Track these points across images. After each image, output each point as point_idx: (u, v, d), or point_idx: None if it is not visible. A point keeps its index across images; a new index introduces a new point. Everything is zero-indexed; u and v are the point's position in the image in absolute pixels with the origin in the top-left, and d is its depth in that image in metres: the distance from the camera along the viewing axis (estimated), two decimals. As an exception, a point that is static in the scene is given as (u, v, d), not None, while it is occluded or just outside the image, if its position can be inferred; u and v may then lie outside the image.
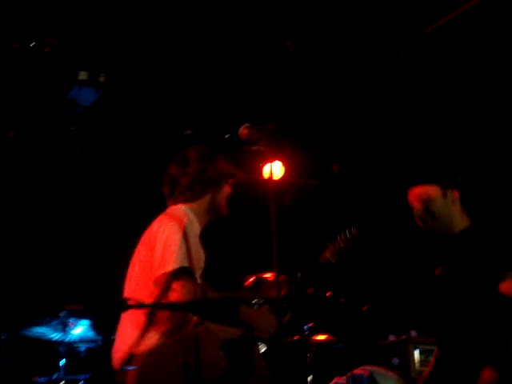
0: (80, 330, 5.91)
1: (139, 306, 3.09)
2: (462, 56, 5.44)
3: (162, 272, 3.37)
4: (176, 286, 3.30)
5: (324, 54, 5.61)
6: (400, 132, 6.17)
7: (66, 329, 5.82)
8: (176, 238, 3.45)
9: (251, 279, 5.00)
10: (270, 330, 3.43)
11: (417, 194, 3.94)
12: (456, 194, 3.93)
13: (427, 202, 3.89)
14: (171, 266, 3.36)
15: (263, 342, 3.52)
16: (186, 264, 3.40)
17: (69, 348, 5.93)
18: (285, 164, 5.90)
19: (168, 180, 3.81)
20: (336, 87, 5.98)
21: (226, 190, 3.83)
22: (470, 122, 5.84)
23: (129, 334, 3.44)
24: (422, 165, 4.19)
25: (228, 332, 3.41)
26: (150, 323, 3.40)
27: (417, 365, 5.36)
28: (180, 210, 3.69)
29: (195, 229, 3.65)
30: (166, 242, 3.44)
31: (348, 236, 4.00)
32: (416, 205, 3.94)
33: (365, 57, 5.64)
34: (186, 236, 3.48)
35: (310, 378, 5.23)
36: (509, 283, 3.60)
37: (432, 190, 3.91)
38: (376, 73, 5.78)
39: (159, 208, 3.81)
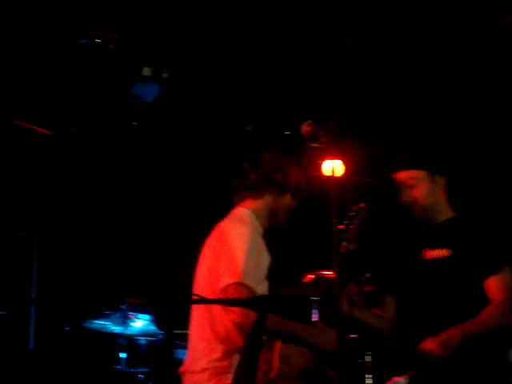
0: (141, 323, 6.00)
1: (201, 300, 3.09)
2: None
3: (229, 282, 3.37)
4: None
5: (387, 50, 5.57)
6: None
7: (127, 322, 5.91)
8: (244, 251, 3.43)
9: (310, 277, 4.96)
10: (332, 344, 3.39)
11: (404, 178, 3.74)
12: (444, 181, 3.76)
13: (414, 187, 3.70)
14: (237, 277, 3.37)
15: (331, 358, 3.46)
16: (248, 282, 3.38)
17: (129, 341, 6.01)
18: (346, 162, 5.87)
19: (239, 174, 3.84)
20: (398, 84, 5.93)
21: (290, 201, 3.79)
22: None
23: (201, 347, 3.50)
24: (409, 149, 3.89)
25: (299, 354, 3.41)
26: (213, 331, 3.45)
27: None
28: (245, 215, 3.70)
29: (260, 236, 3.64)
30: (235, 254, 3.43)
31: (354, 216, 3.68)
32: (403, 190, 3.74)
33: (427, 54, 5.57)
34: (252, 248, 3.47)
35: (368, 377, 5.20)
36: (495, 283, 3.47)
37: (420, 175, 3.71)
38: (439, 70, 5.71)
39: (220, 203, 3.85)
